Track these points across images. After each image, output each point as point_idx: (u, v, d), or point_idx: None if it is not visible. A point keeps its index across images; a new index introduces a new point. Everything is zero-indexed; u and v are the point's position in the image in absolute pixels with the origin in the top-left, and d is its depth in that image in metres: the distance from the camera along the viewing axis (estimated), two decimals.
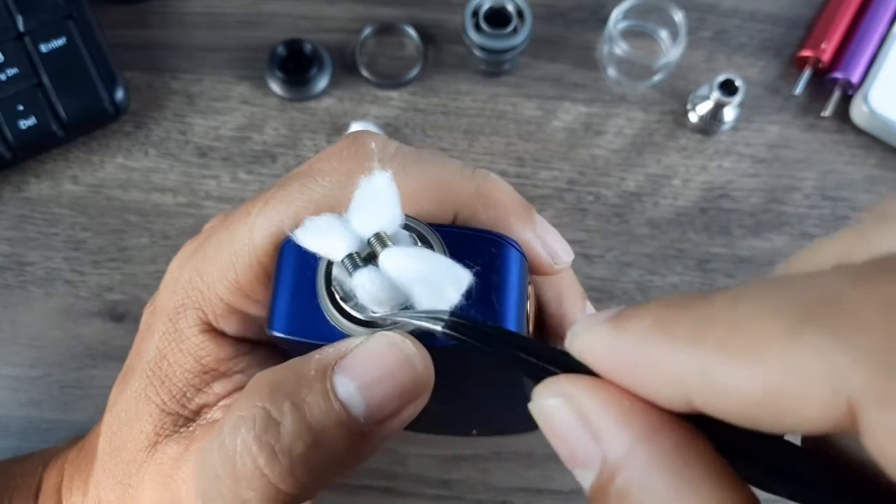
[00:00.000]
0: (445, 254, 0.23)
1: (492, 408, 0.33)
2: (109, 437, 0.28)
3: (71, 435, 0.44)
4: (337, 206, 0.25)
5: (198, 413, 0.27)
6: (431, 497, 0.45)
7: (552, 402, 0.17)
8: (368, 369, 0.22)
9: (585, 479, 0.17)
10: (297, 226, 0.24)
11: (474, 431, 0.43)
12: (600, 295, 0.48)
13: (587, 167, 0.51)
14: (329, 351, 0.23)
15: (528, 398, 0.28)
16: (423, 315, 0.22)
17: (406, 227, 0.23)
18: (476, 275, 0.23)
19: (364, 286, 0.22)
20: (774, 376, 0.14)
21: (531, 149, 0.51)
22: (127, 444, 0.27)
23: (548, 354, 0.19)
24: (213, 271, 0.26)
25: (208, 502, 0.23)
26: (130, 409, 0.28)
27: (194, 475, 0.24)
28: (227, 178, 0.50)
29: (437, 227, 0.24)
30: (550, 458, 0.46)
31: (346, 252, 0.22)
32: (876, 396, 0.13)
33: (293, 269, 0.24)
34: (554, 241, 0.27)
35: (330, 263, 0.23)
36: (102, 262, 0.48)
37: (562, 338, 0.29)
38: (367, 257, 0.22)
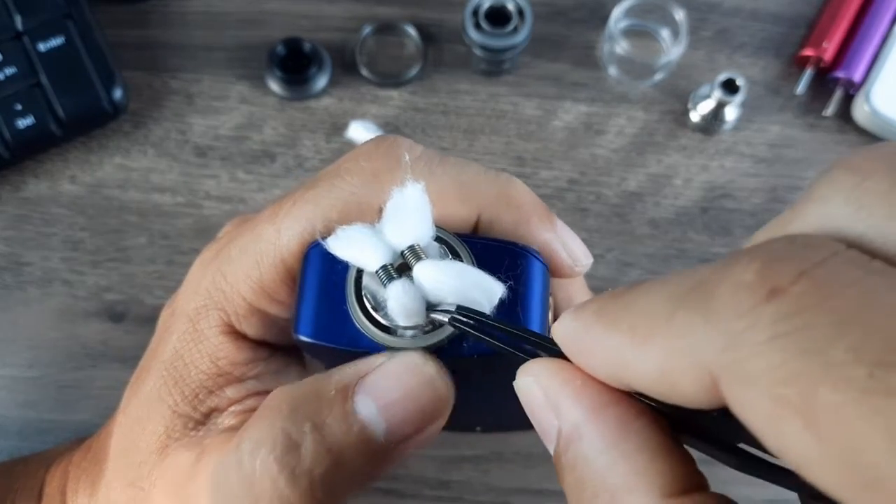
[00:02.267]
0: (474, 265, 0.23)
1: (497, 406, 0.34)
2: (121, 437, 0.28)
3: (69, 436, 0.44)
4: (364, 205, 0.25)
5: (208, 416, 0.27)
6: (431, 498, 0.44)
7: (525, 381, 0.19)
8: (389, 390, 0.22)
9: (550, 450, 0.19)
10: (325, 225, 0.24)
11: (478, 428, 0.43)
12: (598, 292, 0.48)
13: (588, 167, 0.50)
14: (348, 371, 0.23)
15: None
16: (438, 310, 0.22)
17: (437, 239, 0.24)
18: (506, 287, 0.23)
19: (398, 298, 0.22)
20: (660, 356, 0.15)
21: (531, 148, 0.51)
22: (139, 445, 0.27)
23: (538, 341, 0.21)
24: (237, 271, 0.27)
25: None
26: (143, 410, 0.28)
27: (207, 491, 0.24)
28: (226, 178, 0.50)
29: (464, 238, 0.24)
30: (550, 458, 0.46)
31: (380, 263, 0.23)
32: (725, 371, 0.14)
33: (320, 274, 0.24)
34: (574, 243, 0.28)
35: (360, 271, 0.23)
36: (101, 263, 0.48)
37: None
38: (399, 268, 0.23)
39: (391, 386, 0.22)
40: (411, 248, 0.23)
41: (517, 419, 0.37)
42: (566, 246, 0.27)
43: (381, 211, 0.25)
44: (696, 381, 0.15)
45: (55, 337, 0.47)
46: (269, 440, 0.22)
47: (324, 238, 0.23)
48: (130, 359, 0.46)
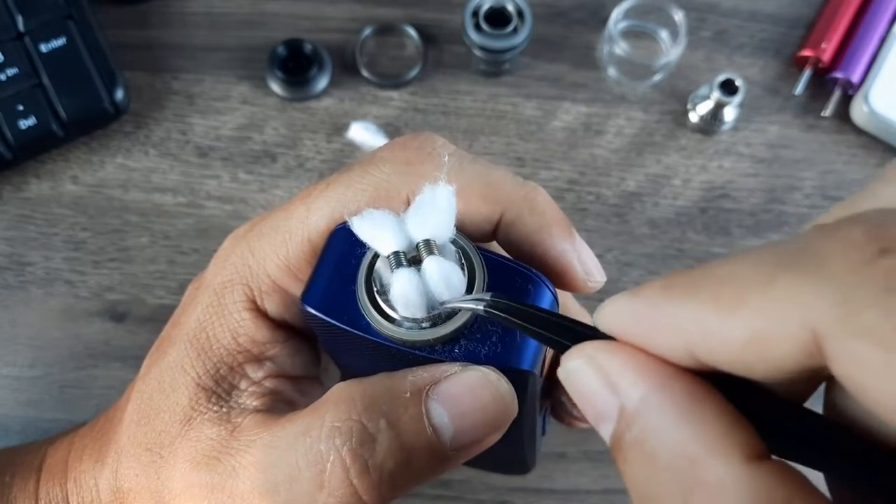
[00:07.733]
0: (484, 277, 0.24)
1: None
2: (140, 404, 0.29)
3: None
4: (394, 192, 0.26)
5: (229, 393, 0.28)
6: (432, 497, 0.45)
7: (576, 363, 0.19)
8: (463, 401, 0.23)
9: (607, 432, 0.18)
10: (355, 208, 0.25)
11: None
12: (600, 295, 0.48)
13: (587, 167, 0.51)
14: (423, 374, 0.24)
15: (515, 448, 0.28)
16: (467, 298, 0.23)
17: (454, 242, 0.24)
18: None
19: (401, 284, 0.23)
20: (756, 319, 0.15)
21: (531, 149, 0.51)
22: (161, 414, 0.28)
23: (577, 329, 0.21)
24: (266, 247, 0.27)
25: (272, 497, 0.24)
26: (165, 379, 0.28)
27: (258, 469, 0.25)
28: (228, 178, 0.50)
29: (483, 251, 0.25)
30: (550, 458, 0.47)
31: (394, 249, 0.23)
32: (835, 325, 0.14)
33: (340, 253, 0.25)
34: (590, 259, 0.28)
35: (376, 256, 0.24)
36: (102, 263, 0.48)
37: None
38: (411, 260, 0.23)
39: (465, 397, 0.23)
40: (427, 241, 0.23)
41: (502, 464, 0.37)
42: (581, 259, 0.28)
43: (408, 200, 0.26)
44: (795, 343, 0.15)
45: (57, 337, 0.47)
46: (346, 431, 0.23)
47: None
48: (132, 358, 0.47)
